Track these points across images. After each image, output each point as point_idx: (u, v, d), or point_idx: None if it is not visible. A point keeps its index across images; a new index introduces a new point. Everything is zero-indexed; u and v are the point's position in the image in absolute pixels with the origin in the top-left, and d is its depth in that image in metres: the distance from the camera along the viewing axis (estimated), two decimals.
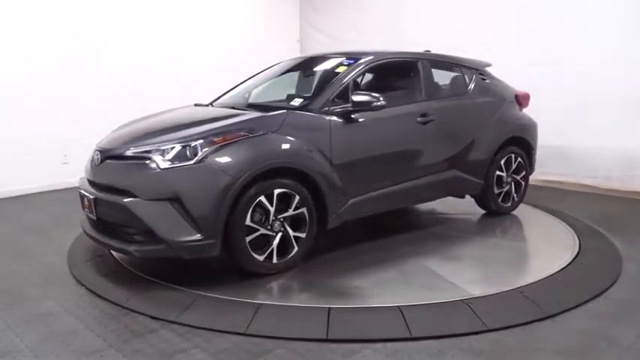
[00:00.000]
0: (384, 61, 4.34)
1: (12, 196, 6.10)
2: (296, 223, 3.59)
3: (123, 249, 3.36)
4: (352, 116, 3.83)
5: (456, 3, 7.18)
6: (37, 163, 6.23)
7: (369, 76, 4.68)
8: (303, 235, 3.61)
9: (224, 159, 3.26)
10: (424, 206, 5.32)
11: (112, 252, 3.92)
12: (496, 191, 4.85)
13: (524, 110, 5.14)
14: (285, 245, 3.55)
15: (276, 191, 3.43)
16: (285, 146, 3.51)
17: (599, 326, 2.87)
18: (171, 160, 3.24)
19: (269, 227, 3.46)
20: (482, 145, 4.65)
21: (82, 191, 3.69)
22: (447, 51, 4.90)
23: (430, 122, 4.26)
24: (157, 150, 3.31)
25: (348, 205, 3.84)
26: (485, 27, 6.75)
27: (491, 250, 4.09)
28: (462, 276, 3.52)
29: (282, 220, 3.50)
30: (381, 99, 3.78)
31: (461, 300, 3.09)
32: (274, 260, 3.51)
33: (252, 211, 3.37)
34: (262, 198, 3.38)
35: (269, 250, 3.47)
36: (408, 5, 7.76)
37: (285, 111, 3.70)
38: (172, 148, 3.29)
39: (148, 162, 3.29)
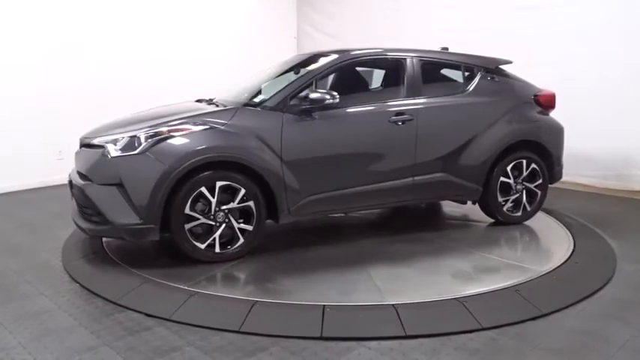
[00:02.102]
0: (361, 59, 4.27)
1: (6, 192, 6.08)
2: (246, 215, 3.67)
3: (80, 227, 3.70)
4: (313, 114, 3.81)
5: (454, 3, 7.17)
6: (32, 160, 6.21)
7: (344, 74, 4.37)
8: (250, 228, 3.67)
9: (164, 150, 3.47)
10: (449, 210, 5.15)
11: (107, 249, 3.96)
12: (500, 199, 4.48)
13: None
14: (232, 236, 3.67)
15: (219, 183, 3.55)
16: (228, 140, 3.61)
17: (593, 325, 2.88)
18: (121, 150, 3.52)
19: (211, 217, 3.57)
20: (480, 147, 4.32)
21: (68, 175, 4.01)
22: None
23: (407, 122, 4.08)
24: (113, 140, 3.59)
25: (303, 202, 3.81)
26: (485, 27, 6.74)
27: (456, 259, 3.78)
28: (391, 283, 3.33)
29: (226, 211, 3.58)
30: (337, 97, 3.75)
31: (455, 298, 3.09)
32: (216, 249, 3.62)
33: (196, 200, 3.54)
34: (203, 189, 3.52)
35: (210, 239, 3.59)
36: (405, 2, 7.75)
37: (236, 107, 3.82)
38: (123, 138, 3.56)
39: (105, 150, 3.57)
